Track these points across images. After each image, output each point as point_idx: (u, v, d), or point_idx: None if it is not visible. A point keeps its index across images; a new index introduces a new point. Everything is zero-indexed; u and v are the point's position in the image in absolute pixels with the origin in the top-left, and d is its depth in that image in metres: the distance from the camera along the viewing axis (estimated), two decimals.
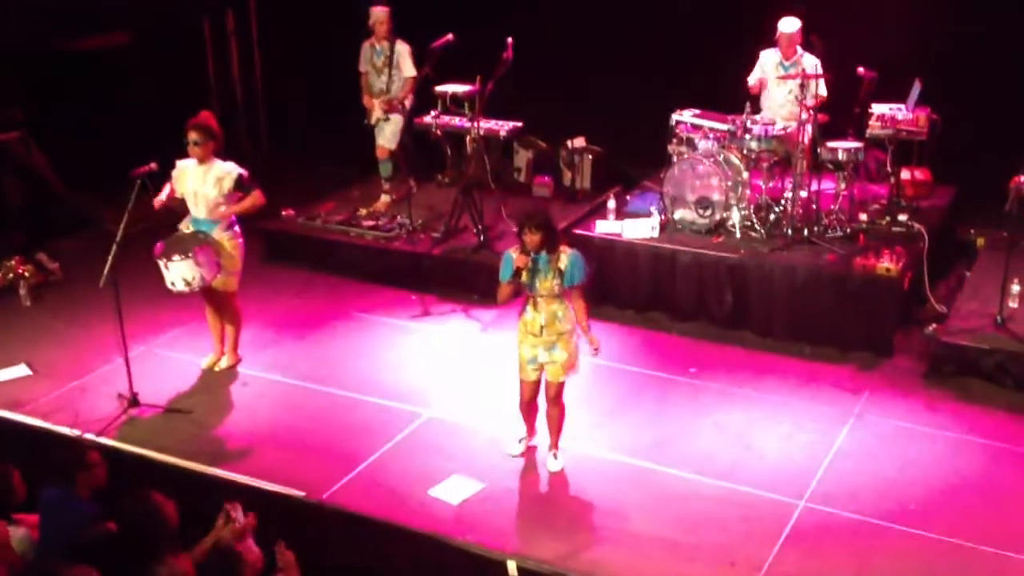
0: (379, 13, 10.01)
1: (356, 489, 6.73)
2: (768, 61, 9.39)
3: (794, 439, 7.19)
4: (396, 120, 10.19)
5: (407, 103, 10.17)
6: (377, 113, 10.15)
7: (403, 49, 10.05)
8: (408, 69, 10.07)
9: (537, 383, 6.75)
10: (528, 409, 6.93)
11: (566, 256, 6.47)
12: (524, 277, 6.45)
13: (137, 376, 7.59)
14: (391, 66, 10.07)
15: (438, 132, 10.26)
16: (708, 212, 8.96)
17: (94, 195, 10.48)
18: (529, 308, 6.59)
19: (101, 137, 10.88)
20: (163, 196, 7.66)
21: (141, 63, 11.57)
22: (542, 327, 6.54)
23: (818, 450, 7.04)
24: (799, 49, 9.17)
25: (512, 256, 6.46)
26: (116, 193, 7.73)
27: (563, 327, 6.57)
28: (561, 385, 6.71)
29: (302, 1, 12.28)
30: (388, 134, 10.27)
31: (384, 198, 10.56)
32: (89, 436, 7.22)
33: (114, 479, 5.92)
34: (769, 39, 9.33)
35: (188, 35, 12.41)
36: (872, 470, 6.84)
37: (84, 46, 11.20)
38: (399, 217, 10.06)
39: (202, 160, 7.59)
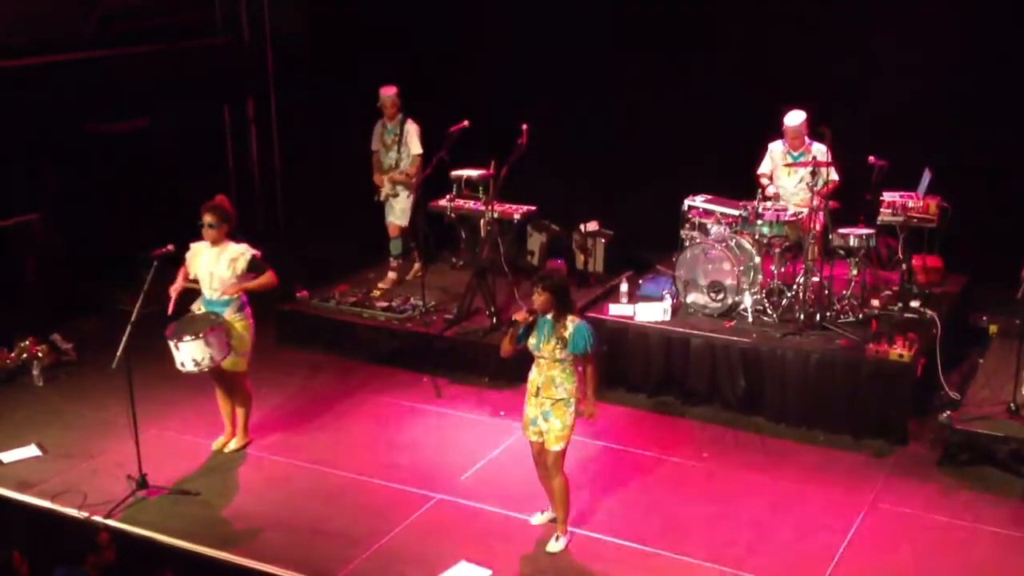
0: (387, 94, 10.28)
1: (365, 574, 6.66)
2: (776, 151, 9.47)
3: (808, 526, 7.11)
4: (405, 197, 10.34)
5: (415, 180, 10.27)
6: (386, 189, 10.36)
7: (412, 128, 10.32)
8: (415, 147, 10.30)
9: (540, 445, 6.73)
10: (542, 474, 6.89)
11: (572, 324, 6.47)
12: (527, 334, 6.47)
13: (146, 457, 7.56)
14: (400, 143, 10.30)
15: (452, 215, 10.35)
16: (720, 296, 8.98)
17: (111, 276, 10.57)
18: (533, 367, 6.67)
19: (120, 219, 11.00)
20: (179, 283, 7.74)
21: (162, 147, 11.74)
22: (539, 388, 6.58)
23: (832, 538, 6.95)
24: (807, 139, 9.25)
25: None
26: (132, 274, 7.80)
27: (558, 394, 6.55)
28: (557, 455, 6.66)
29: (320, 89, 12.47)
30: (398, 211, 10.44)
31: (391, 275, 10.66)
32: (97, 518, 7.20)
33: (122, 561, 5.90)
34: (778, 131, 9.41)
35: (209, 121, 12.62)
36: (886, 559, 6.74)
37: (107, 129, 11.37)
38: (412, 299, 10.12)
39: (215, 242, 7.69)
